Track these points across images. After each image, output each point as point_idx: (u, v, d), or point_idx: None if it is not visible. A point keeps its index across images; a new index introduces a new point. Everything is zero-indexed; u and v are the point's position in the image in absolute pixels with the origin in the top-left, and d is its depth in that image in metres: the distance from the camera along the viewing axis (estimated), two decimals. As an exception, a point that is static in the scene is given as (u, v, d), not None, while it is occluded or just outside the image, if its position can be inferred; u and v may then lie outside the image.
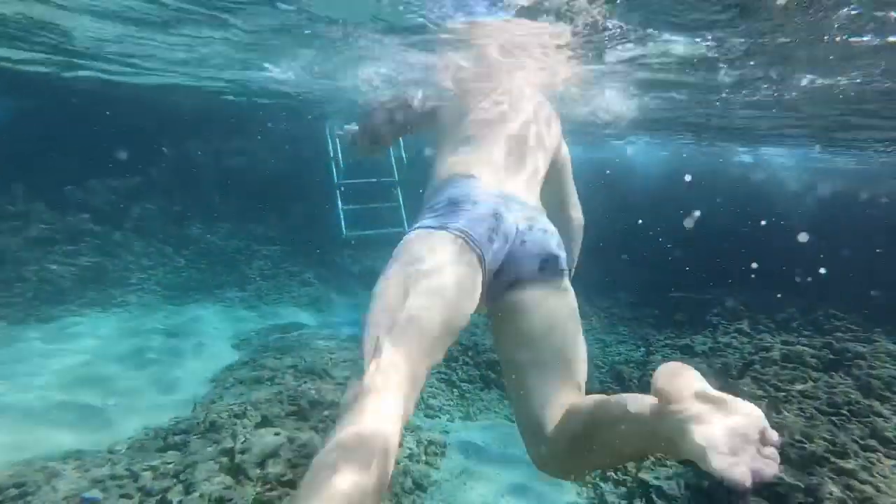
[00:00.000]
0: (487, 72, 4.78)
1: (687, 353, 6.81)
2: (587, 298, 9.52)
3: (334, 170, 10.67)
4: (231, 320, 9.10)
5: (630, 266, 10.03)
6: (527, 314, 1.84)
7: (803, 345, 5.17)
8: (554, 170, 2.50)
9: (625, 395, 1.49)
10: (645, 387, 3.89)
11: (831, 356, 4.75)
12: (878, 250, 8.42)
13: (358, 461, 1.16)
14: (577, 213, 2.73)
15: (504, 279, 1.88)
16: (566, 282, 1.95)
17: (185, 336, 8.14)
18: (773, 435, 1.22)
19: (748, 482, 1.09)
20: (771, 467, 1.15)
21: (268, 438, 4.60)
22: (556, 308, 1.87)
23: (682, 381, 1.31)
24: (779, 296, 7.83)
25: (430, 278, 1.65)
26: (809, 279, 7.90)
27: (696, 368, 1.42)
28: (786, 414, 3.86)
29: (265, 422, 5.07)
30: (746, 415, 1.23)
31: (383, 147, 3.01)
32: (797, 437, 3.54)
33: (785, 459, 3.50)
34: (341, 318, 9.93)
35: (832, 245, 8.68)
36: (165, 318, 8.72)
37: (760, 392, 4.34)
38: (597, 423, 1.55)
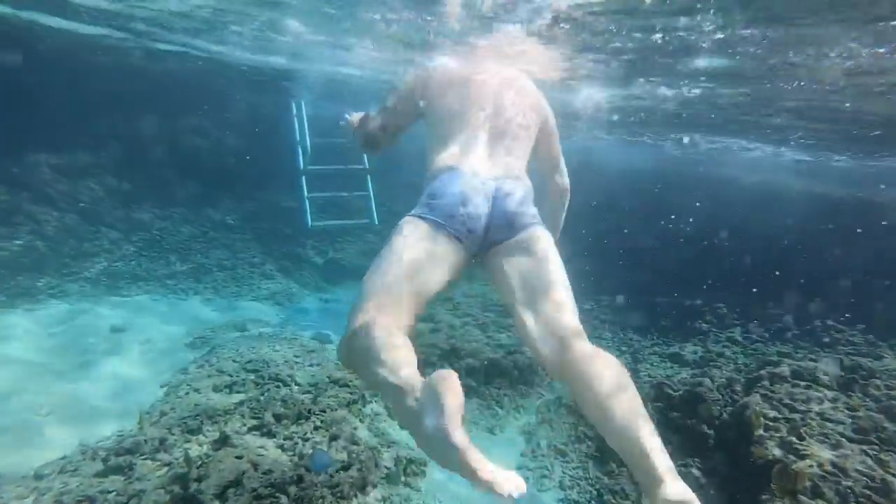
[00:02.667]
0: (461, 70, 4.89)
1: (676, 362, 6.54)
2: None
3: (300, 154, 9.89)
4: (184, 315, 8.31)
5: (614, 268, 9.76)
6: (512, 254, 2.27)
7: (811, 360, 4.93)
8: (541, 142, 2.79)
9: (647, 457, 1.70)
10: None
11: (842, 373, 4.51)
12: (876, 259, 8.40)
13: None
14: (562, 179, 3.07)
15: (489, 241, 2.31)
16: (537, 231, 2.32)
17: (132, 332, 7.34)
18: None
19: None
20: None
21: (228, 463, 3.98)
22: (535, 244, 2.27)
23: None
24: (770, 304, 7.67)
25: (408, 254, 2.13)
26: (803, 287, 7.78)
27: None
28: (809, 440, 3.55)
29: (224, 440, 4.45)
30: None
31: (386, 146, 3.08)
32: (828, 468, 3.24)
33: (818, 495, 3.18)
34: (305, 315, 9.27)
35: (826, 253, 8.65)
36: (109, 312, 7.86)
37: (773, 412, 4.04)
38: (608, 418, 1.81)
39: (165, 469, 4.05)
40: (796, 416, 3.94)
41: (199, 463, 4.00)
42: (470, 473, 1.38)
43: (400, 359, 1.70)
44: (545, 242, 2.29)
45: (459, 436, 1.42)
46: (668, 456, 1.70)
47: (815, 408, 3.95)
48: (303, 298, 10.03)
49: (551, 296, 2.11)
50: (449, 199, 2.24)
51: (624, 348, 7.54)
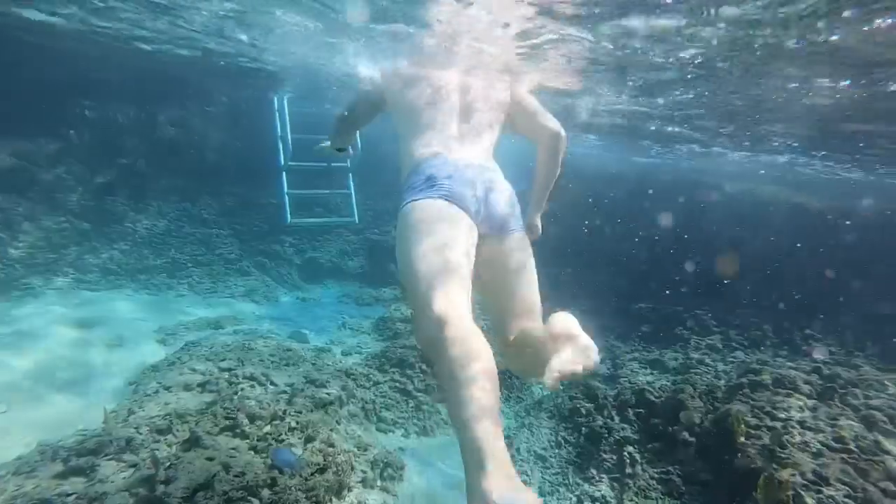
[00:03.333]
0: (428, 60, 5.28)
1: (657, 368, 6.55)
2: (548, 306, 9.15)
3: (281, 149, 9.67)
4: (157, 311, 8.04)
5: (595, 273, 9.77)
6: (498, 259, 2.33)
7: (791, 368, 4.96)
8: (518, 112, 2.83)
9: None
10: (622, 406, 4.75)
11: (821, 382, 4.54)
12: (853, 271, 8.55)
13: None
14: (553, 124, 2.79)
15: (480, 232, 2.31)
16: (523, 234, 2.43)
17: (101, 327, 7.07)
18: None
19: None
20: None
21: (198, 464, 3.81)
22: (519, 255, 2.36)
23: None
24: (749, 311, 7.73)
25: (445, 233, 2.10)
26: (782, 295, 7.86)
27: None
28: (791, 449, 3.55)
29: (195, 441, 4.26)
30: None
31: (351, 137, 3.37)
32: (810, 476, 3.23)
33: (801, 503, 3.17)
34: (282, 313, 9.06)
35: (803, 262, 8.76)
36: (78, 306, 7.56)
37: (755, 420, 4.03)
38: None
39: (131, 470, 3.86)
40: (777, 423, 3.94)
41: (168, 464, 3.82)
42: None
43: (486, 377, 1.62)
44: (527, 253, 2.41)
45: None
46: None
47: (796, 416, 3.96)
48: (280, 296, 9.82)
49: (524, 304, 2.30)
50: (452, 180, 2.28)
51: (604, 354, 7.52)
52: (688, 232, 10.04)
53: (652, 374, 6.53)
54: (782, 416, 4.00)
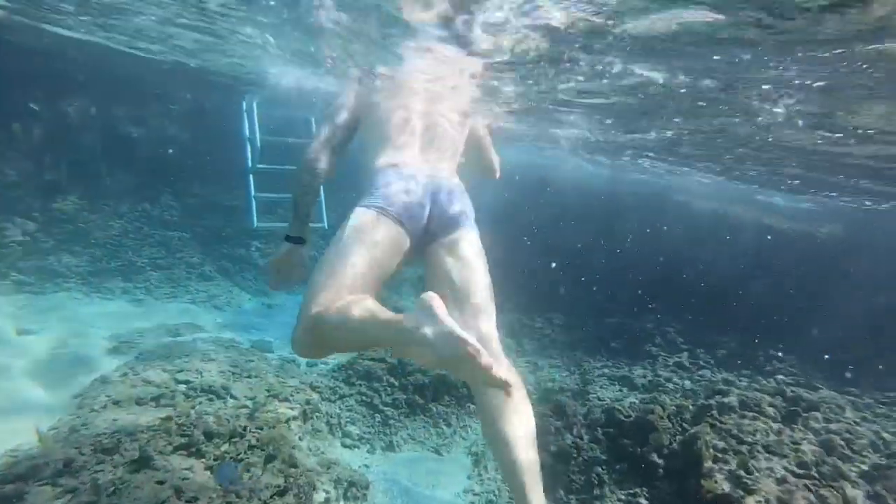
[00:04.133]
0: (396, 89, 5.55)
1: (625, 385, 6.55)
2: (518, 318, 9.10)
3: (249, 151, 9.35)
4: (110, 317, 7.63)
5: (566, 288, 9.78)
6: (447, 255, 2.44)
7: (756, 390, 5.01)
8: (472, 146, 3.19)
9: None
10: (592, 424, 4.85)
11: (784, 404, 4.60)
12: (814, 290, 8.81)
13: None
14: (495, 167, 3.40)
15: (429, 234, 2.49)
16: (473, 231, 2.56)
17: (44, 335, 6.63)
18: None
19: None
20: None
21: (147, 489, 3.56)
22: (466, 249, 2.47)
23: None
24: (716, 330, 7.84)
25: (361, 241, 2.26)
26: (748, 315, 8.00)
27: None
28: (756, 474, 3.55)
29: (144, 460, 4.00)
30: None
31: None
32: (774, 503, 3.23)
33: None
34: (246, 320, 8.74)
35: (772, 282, 8.97)
36: (21, 311, 7.09)
37: (722, 444, 4.04)
38: None
39: (68, 497, 3.57)
40: (744, 447, 3.95)
41: (111, 489, 3.55)
42: (477, 357, 1.57)
43: (372, 307, 1.91)
44: (475, 245, 2.53)
45: (459, 328, 1.63)
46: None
47: (762, 440, 3.98)
48: (244, 303, 9.48)
49: (472, 301, 2.34)
50: (392, 188, 2.43)
51: (573, 368, 7.51)
52: (658, 249, 10.22)
53: (621, 390, 6.53)
54: (748, 439, 4.01)
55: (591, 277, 9.85)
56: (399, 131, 2.80)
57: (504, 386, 1.60)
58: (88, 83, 9.86)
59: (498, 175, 3.46)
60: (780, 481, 3.56)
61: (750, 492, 3.46)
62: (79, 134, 9.62)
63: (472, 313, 2.31)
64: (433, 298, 1.71)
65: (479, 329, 2.26)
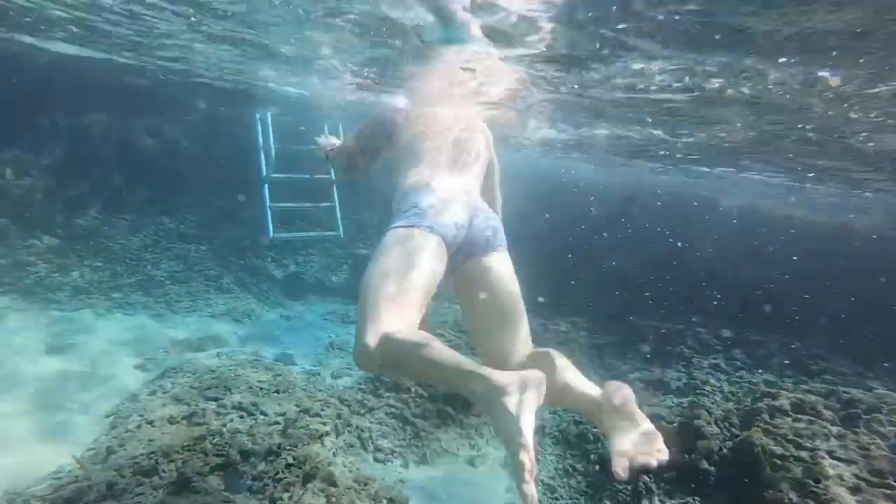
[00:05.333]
0: (425, 106, 5.78)
1: (661, 389, 6.40)
2: (541, 322, 8.97)
3: (263, 161, 9.27)
4: (133, 333, 7.57)
5: (590, 290, 9.62)
6: (482, 276, 2.49)
7: (807, 391, 4.85)
8: (486, 173, 3.19)
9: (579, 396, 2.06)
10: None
11: (839, 406, 4.44)
12: (858, 285, 8.55)
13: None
14: (497, 193, 3.37)
15: (464, 254, 2.52)
16: (505, 252, 2.63)
17: (73, 353, 6.60)
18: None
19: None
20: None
21: (191, 514, 3.46)
22: (501, 268, 2.53)
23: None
24: (751, 329, 7.62)
25: (412, 260, 2.27)
26: (785, 313, 7.78)
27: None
28: (826, 482, 3.41)
29: (184, 483, 3.91)
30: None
31: (363, 169, 3.54)
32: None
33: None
34: (265, 333, 8.65)
35: (808, 277, 8.73)
36: (47, 329, 7.05)
37: (779, 449, 3.89)
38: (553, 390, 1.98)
39: (115, 523, 3.48)
40: (804, 453, 3.80)
41: (157, 514, 3.47)
42: (524, 469, 1.54)
43: (453, 355, 1.88)
44: (508, 264, 2.59)
45: (530, 435, 1.60)
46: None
47: (823, 445, 3.84)
48: (262, 315, 9.40)
49: (510, 318, 2.44)
50: (434, 208, 2.46)
51: (602, 373, 7.36)
52: (684, 247, 10.03)
53: (655, 394, 6.38)
54: (808, 444, 3.87)
55: (614, 279, 9.69)
56: (431, 150, 2.88)
57: (525, 481, 1.54)
58: (107, 97, 9.86)
59: (499, 209, 3.39)
60: (855, 490, 3.41)
61: (823, 502, 3.31)
62: (98, 148, 9.60)
63: (511, 331, 2.42)
64: (540, 380, 1.71)
65: (516, 344, 2.39)
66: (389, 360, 2.01)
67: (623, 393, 1.91)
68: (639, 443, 1.81)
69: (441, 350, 1.89)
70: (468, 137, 3.04)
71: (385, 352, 1.99)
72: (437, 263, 2.34)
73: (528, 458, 1.53)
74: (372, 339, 2.01)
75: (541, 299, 7.07)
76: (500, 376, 1.69)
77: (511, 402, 1.63)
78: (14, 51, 7.93)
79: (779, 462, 3.79)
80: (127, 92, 9.98)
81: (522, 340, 2.43)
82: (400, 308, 2.12)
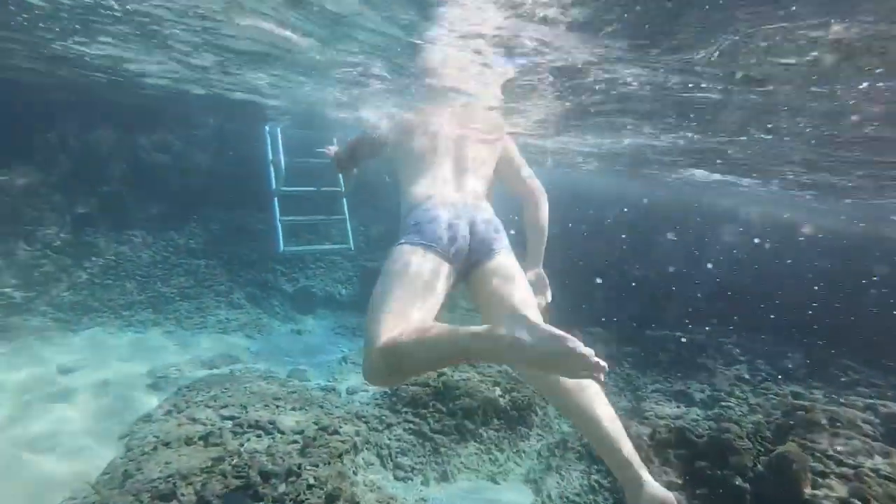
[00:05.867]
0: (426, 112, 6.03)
1: (683, 401, 6.26)
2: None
3: (272, 174, 9.22)
4: (145, 351, 7.47)
5: (603, 298, 9.49)
6: (491, 281, 2.55)
7: (841, 404, 4.71)
8: (504, 164, 3.26)
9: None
10: (660, 446, 4.91)
11: (878, 420, 4.30)
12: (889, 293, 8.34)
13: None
14: (532, 183, 3.27)
15: (471, 264, 2.59)
16: (510, 253, 2.68)
17: (85, 372, 6.50)
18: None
19: None
20: None
21: (215, 542, 3.34)
22: (508, 271, 2.59)
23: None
24: (773, 339, 7.44)
25: (412, 276, 2.35)
26: (808, 322, 7.59)
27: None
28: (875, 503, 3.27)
29: (205, 508, 3.79)
30: None
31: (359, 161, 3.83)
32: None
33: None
34: (277, 348, 8.55)
35: (834, 285, 8.54)
36: (57, 349, 6.96)
37: (819, 466, 3.75)
38: None
39: (137, 552, 3.37)
40: (846, 470, 3.67)
41: (179, 543, 3.35)
42: (579, 348, 1.68)
43: (448, 325, 1.97)
44: (514, 264, 2.66)
45: (556, 329, 1.74)
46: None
47: (867, 462, 3.70)
48: (273, 330, 9.30)
49: (522, 312, 2.46)
50: (434, 224, 2.51)
51: (622, 384, 7.22)
52: (702, 255, 9.88)
53: (678, 406, 6.24)
54: (850, 461, 3.73)
55: (630, 289, 9.55)
56: (431, 159, 2.92)
57: (602, 369, 1.69)
58: (114, 111, 9.83)
59: (544, 197, 3.31)
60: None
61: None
62: (106, 164, 9.57)
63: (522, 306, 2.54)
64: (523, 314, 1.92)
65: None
66: (395, 364, 2.04)
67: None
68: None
69: (439, 327, 1.97)
70: (469, 142, 3.07)
71: (388, 357, 2.03)
72: (437, 281, 2.41)
73: (584, 348, 1.67)
74: (375, 355, 2.05)
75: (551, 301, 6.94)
76: (494, 327, 1.79)
77: (521, 329, 1.74)
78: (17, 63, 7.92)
79: (820, 480, 3.65)
80: (134, 106, 9.95)
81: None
82: (401, 321, 2.15)
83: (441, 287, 2.41)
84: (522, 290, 2.56)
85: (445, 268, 2.46)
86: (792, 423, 4.48)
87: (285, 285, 10.78)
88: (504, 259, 2.62)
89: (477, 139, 3.11)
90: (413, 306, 2.23)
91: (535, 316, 2.48)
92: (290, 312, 10.24)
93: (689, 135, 7.09)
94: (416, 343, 1.98)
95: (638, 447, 5.44)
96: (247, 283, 10.26)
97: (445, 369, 7.19)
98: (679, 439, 5.06)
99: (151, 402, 6.06)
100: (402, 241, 2.51)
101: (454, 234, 2.51)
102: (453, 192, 2.77)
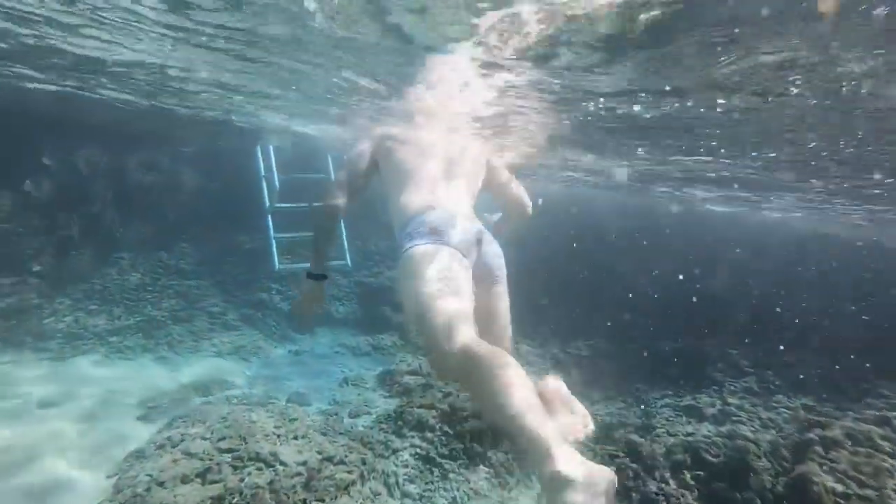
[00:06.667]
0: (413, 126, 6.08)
1: (694, 416, 6.09)
2: (560, 344, 8.66)
3: (265, 191, 8.97)
4: (134, 379, 7.15)
5: (607, 309, 9.31)
6: (484, 301, 2.56)
7: (857, 419, 4.56)
8: (492, 178, 3.27)
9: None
10: (676, 467, 4.84)
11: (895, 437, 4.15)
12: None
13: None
14: (519, 198, 3.34)
15: (475, 280, 2.54)
16: (504, 280, 2.70)
17: (68, 406, 6.16)
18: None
19: None
20: None
21: None
22: (498, 295, 2.66)
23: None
24: (781, 350, 7.30)
25: (455, 275, 2.33)
26: (814, 333, 7.47)
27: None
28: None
29: (207, 557, 3.51)
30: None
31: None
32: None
33: None
34: (275, 371, 8.26)
35: (841, 295, 8.45)
36: (37, 381, 6.62)
37: (841, 487, 3.58)
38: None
39: None
40: (869, 491, 3.50)
41: None
42: None
43: (530, 398, 1.77)
44: (506, 298, 2.69)
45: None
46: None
47: (890, 483, 3.54)
48: (270, 351, 9.00)
49: (499, 323, 2.62)
50: (457, 230, 2.51)
51: (630, 399, 7.03)
52: (706, 267, 9.75)
53: (690, 422, 6.05)
54: (873, 483, 3.57)
55: (633, 301, 9.39)
56: (423, 171, 2.89)
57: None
58: (99, 130, 9.54)
59: (530, 210, 3.40)
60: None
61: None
62: (91, 184, 9.25)
63: (498, 335, 2.58)
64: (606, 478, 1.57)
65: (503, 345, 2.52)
66: (465, 371, 1.98)
67: (553, 383, 2.08)
68: (571, 421, 1.97)
69: (520, 388, 1.78)
70: (461, 153, 3.08)
71: (466, 360, 1.97)
72: (470, 280, 2.43)
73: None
74: (452, 346, 2.01)
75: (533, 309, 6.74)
76: (567, 463, 1.54)
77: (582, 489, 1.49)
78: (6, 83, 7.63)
79: (841, 501, 3.48)
80: (122, 124, 9.67)
81: (506, 343, 2.61)
82: (464, 320, 2.14)
83: (469, 285, 2.41)
84: (504, 310, 2.65)
85: (469, 269, 2.49)
86: (810, 440, 4.32)
87: (281, 304, 10.49)
88: (502, 289, 2.68)
89: (464, 151, 3.12)
90: (467, 306, 2.23)
91: (507, 330, 2.63)
92: (286, 332, 9.94)
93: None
94: (490, 377, 1.84)
95: (652, 467, 5.26)
96: (241, 303, 9.96)
97: (451, 388, 6.97)
98: (695, 459, 4.88)
99: (143, 435, 5.74)
100: (419, 242, 2.45)
101: (470, 243, 2.54)
102: (453, 203, 2.76)
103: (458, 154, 3.07)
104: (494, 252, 2.69)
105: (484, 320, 2.48)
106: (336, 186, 3.06)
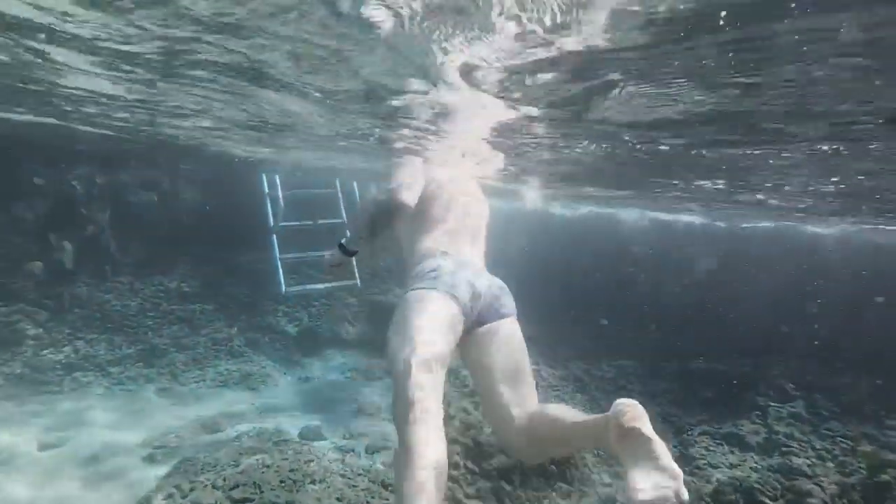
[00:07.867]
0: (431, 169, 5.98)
1: (736, 445, 5.71)
2: (585, 367, 8.27)
3: (270, 210, 8.60)
4: (137, 414, 6.75)
5: (633, 329, 8.92)
6: (493, 341, 2.56)
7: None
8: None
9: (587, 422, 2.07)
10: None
11: None
12: None
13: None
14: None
15: (478, 323, 2.58)
16: (515, 320, 2.69)
17: (70, 445, 5.78)
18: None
19: None
20: None
21: None
22: (511, 335, 2.61)
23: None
24: (830, 370, 6.81)
25: (434, 320, 2.32)
26: (866, 350, 7.00)
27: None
28: None
29: None
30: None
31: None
32: None
33: None
34: (285, 401, 7.84)
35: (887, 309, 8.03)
36: (39, 419, 6.22)
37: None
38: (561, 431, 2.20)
39: None
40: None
41: None
42: None
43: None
44: (518, 333, 2.63)
45: None
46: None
47: None
48: (279, 378, 8.58)
49: (522, 380, 2.49)
50: (454, 276, 2.51)
51: (664, 425, 6.62)
52: (741, 284, 9.39)
53: (733, 452, 5.67)
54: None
55: (661, 319, 8.99)
56: (441, 216, 2.92)
57: None
58: (94, 150, 9.15)
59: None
60: None
61: None
62: (87, 205, 8.85)
63: (523, 392, 2.45)
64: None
65: (527, 402, 2.41)
66: (398, 394, 2.01)
67: (635, 411, 1.81)
68: (659, 478, 1.68)
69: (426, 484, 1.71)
70: (473, 205, 3.11)
71: (404, 381, 1.99)
72: (454, 327, 2.38)
73: None
74: (407, 357, 2.07)
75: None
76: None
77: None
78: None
79: None
80: (121, 149, 9.28)
81: (526, 400, 2.45)
82: (425, 347, 2.11)
83: (456, 335, 2.40)
84: (524, 357, 2.57)
85: (462, 318, 2.45)
86: (886, 482, 3.94)
87: (288, 326, 10.10)
88: (509, 323, 2.63)
89: (474, 203, 3.14)
90: (435, 346, 2.16)
91: (530, 389, 2.50)
92: (295, 356, 9.53)
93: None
94: (413, 433, 1.82)
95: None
96: (247, 327, 9.56)
97: (473, 418, 6.57)
98: (749, 502, 4.49)
99: (149, 479, 5.34)
100: (420, 286, 2.48)
101: (472, 290, 2.52)
102: (463, 250, 2.80)
103: (469, 202, 3.09)
104: (496, 294, 2.64)
105: (510, 378, 2.46)
106: (405, 186, 2.93)
